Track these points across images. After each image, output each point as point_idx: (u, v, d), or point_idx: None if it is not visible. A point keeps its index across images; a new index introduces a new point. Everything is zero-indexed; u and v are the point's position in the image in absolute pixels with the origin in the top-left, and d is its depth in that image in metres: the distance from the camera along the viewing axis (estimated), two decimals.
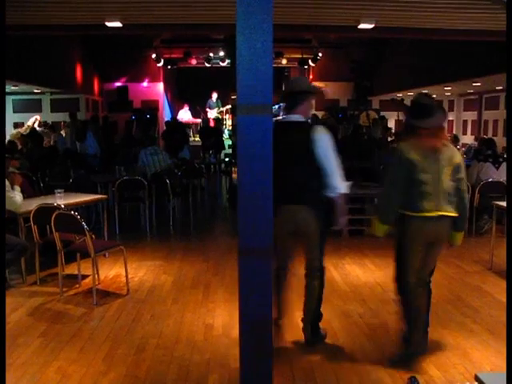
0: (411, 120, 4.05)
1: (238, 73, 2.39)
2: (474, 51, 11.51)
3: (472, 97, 18.45)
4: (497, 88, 15.76)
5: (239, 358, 2.65)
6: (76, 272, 6.11)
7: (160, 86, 19.71)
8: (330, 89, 18.60)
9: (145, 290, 5.85)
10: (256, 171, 2.46)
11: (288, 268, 4.48)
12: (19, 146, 10.74)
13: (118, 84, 19.08)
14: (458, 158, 4.04)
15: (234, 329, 4.59)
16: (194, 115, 19.83)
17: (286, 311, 4.50)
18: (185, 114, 19.35)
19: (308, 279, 4.39)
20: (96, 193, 8.31)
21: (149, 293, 5.78)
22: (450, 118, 20.36)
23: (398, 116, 19.17)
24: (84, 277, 6.15)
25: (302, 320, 4.45)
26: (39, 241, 6.04)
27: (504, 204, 6.53)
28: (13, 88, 14.78)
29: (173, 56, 18.90)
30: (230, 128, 18.20)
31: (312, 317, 4.41)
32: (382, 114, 18.30)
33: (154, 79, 19.44)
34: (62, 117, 16.67)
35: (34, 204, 5.98)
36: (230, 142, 15.59)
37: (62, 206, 5.93)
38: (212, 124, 19.01)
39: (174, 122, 15.91)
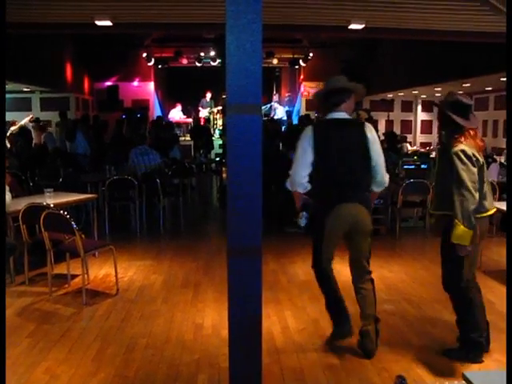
0: (460, 119, 3.94)
1: (228, 72, 2.40)
2: (463, 52, 11.57)
3: None
4: (486, 89, 15.86)
5: (228, 358, 2.65)
6: (65, 272, 6.08)
7: (151, 86, 19.67)
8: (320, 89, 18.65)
9: (134, 290, 5.84)
10: (245, 170, 2.46)
11: (331, 267, 4.32)
12: (8, 145, 10.69)
13: (108, 83, 19.02)
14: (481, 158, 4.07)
15: (224, 328, 4.57)
16: (186, 114, 19.81)
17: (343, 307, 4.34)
18: (177, 114, 19.32)
19: (359, 284, 4.21)
20: (86, 192, 8.28)
21: (138, 292, 5.77)
22: None
23: (388, 117, 19.25)
24: (73, 276, 6.12)
25: (363, 329, 4.20)
26: (28, 240, 6.00)
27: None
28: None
29: (164, 55, 18.88)
30: (221, 128, 18.22)
31: (370, 324, 4.18)
32: (373, 114, 18.34)
33: (144, 78, 19.40)
34: (51, 116, 16.60)
35: (22, 203, 5.95)
36: (221, 142, 15.60)
37: (52, 206, 5.90)
38: (202, 123, 19.00)
39: (160, 121, 15.84)
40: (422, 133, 20.71)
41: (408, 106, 20.61)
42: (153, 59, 18.53)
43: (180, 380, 3.88)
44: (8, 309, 5.23)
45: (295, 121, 18.28)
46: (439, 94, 18.90)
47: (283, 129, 16.23)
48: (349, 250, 4.27)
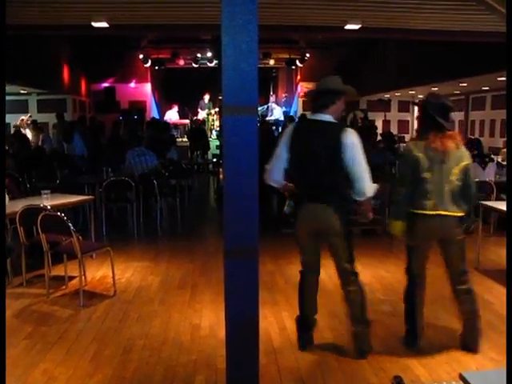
0: (440, 120, 4.03)
1: (224, 73, 2.40)
2: (460, 52, 11.59)
3: (459, 97, 18.57)
4: (483, 88, 15.88)
5: (226, 359, 2.65)
6: (63, 273, 6.08)
7: (147, 87, 19.68)
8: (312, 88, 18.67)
9: (132, 291, 5.84)
10: (241, 171, 2.46)
11: (316, 272, 4.37)
12: (6, 147, 10.67)
13: (105, 85, 19.02)
14: (467, 159, 4.09)
15: (221, 329, 4.58)
16: (182, 116, 19.80)
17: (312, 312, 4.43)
18: (173, 115, 19.31)
19: (345, 287, 4.23)
20: (83, 194, 8.26)
21: (136, 294, 5.77)
22: None
23: (385, 117, 19.27)
24: (71, 278, 6.12)
25: (353, 332, 4.24)
26: (25, 242, 5.99)
27: (490, 204, 6.59)
28: None
29: (160, 56, 18.88)
30: (218, 129, 18.21)
31: (361, 326, 4.21)
32: (370, 114, 18.39)
33: (141, 80, 19.41)
34: (48, 117, 16.59)
35: (20, 205, 5.94)
36: (218, 143, 15.60)
37: (49, 207, 5.89)
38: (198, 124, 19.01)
39: (155, 122, 15.83)
40: None
41: (405, 106, 20.66)
42: (149, 60, 18.53)
43: (177, 381, 3.88)
44: (6, 310, 5.22)
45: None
46: None
47: (280, 129, 16.27)
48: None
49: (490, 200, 7.49)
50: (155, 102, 20.50)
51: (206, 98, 19.85)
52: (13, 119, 16.03)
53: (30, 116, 15.65)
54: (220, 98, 15.89)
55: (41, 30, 9.27)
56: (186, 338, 4.58)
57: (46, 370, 4.01)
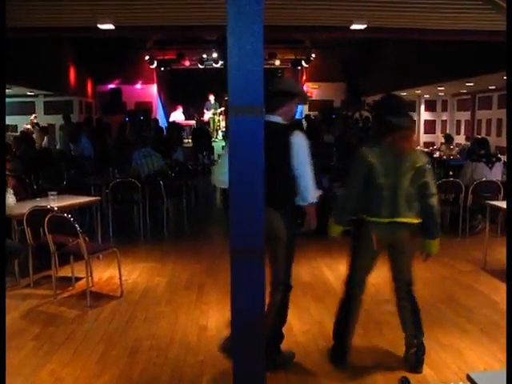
0: (389, 117, 3.90)
1: (229, 74, 2.40)
2: (466, 51, 11.56)
3: (465, 97, 18.51)
4: (490, 88, 15.83)
5: (232, 359, 2.65)
6: (69, 274, 6.09)
7: (153, 88, 19.71)
8: (323, 89, 18.67)
9: (138, 292, 5.85)
10: (247, 172, 2.47)
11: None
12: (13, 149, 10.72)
13: (111, 86, 19.08)
14: (422, 161, 3.89)
15: (228, 330, 4.58)
16: (188, 117, 19.83)
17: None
18: (178, 116, 19.34)
19: (271, 293, 4.05)
20: (89, 195, 8.28)
21: (142, 295, 5.78)
22: (444, 118, 20.43)
23: None
24: (78, 279, 6.13)
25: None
26: (33, 243, 6.01)
27: (497, 203, 6.56)
28: (6, 91, 14.75)
29: (166, 58, 18.92)
30: (224, 129, 18.23)
31: (270, 334, 3.96)
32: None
33: (147, 81, 19.45)
34: (55, 119, 16.66)
35: (27, 206, 5.96)
36: (224, 144, 15.60)
37: (56, 209, 5.91)
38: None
39: (173, 123, 15.91)
40: (425, 132, 20.70)
41: (411, 106, 20.58)
42: (155, 62, 18.57)
43: (184, 381, 3.89)
44: (13, 311, 5.25)
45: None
46: (442, 94, 18.90)
47: None
48: None
49: (497, 200, 7.45)
50: (161, 103, 20.53)
51: (212, 98, 19.87)
52: (20, 121, 16.14)
53: (36, 116, 15.73)
54: (226, 98, 15.92)
55: (47, 32, 9.30)
56: (192, 339, 4.59)
57: (54, 370, 4.03)
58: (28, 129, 14.54)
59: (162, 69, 19.61)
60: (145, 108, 18.99)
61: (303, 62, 19.05)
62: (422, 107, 20.62)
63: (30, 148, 11.51)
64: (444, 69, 13.26)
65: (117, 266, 5.87)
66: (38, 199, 6.89)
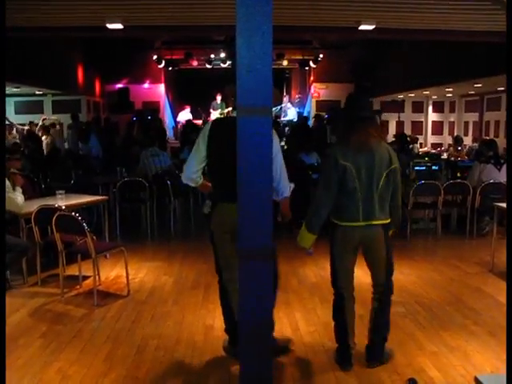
0: (354, 111, 3.91)
1: (238, 74, 2.40)
2: (475, 52, 11.51)
3: (473, 98, 18.43)
4: (498, 89, 15.75)
5: (239, 359, 2.66)
6: (77, 273, 6.11)
7: (161, 88, 19.73)
8: (330, 90, 18.66)
9: (145, 291, 5.86)
10: (255, 172, 2.47)
11: (235, 279, 4.18)
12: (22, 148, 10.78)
13: (119, 85, 19.10)
14: (395, 162, 3.85)
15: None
16: (195, 117, 19.83)
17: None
18: (186, 116, 19.34)
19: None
20: (97, 194, 8.31)
21: (149, 294, 5.79)
22: (451, 120, 20.35)
23: (399, 117, 19.20)
24: (85, 278, 6.15)
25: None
26: (40, 242, 6.05)
27: (505, 205, 6.52)
28: (14, 90, 14.82)
29: (174, 57, 18.93)
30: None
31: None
32: (383, 114, 18.30)
33: (155, 80, 19.47)
34: (63, 118, 16.72)
35: (35, 205, 5.99)
36: None
37: (63, 207, 5.94)
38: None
39: (190, 122, 15.95)
40: (433, 134, 20.63)
41: (419, 107, 20.54)
42: (163, 61, 18.58)
43: (190, 381, 3.89)
44: (21, 309, 5.27)
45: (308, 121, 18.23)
46: (450, 95, 18.83)
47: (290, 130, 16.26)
48: None
49: (504, 202, 7.41)
50: (169, 103, 20.55)
51: (219, 98, 19.85)
52: (28, 120, 16.18)
53: (44, 119, 15.79)
54: (232, 98, 15.89)
55: (56, 31, 9.31)
56: (199, 339, 4.59)
57: (61, 368, 4.04)
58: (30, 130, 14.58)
59: (170, 68, 19.62)
60: (152, 108, 19.01)
61: (311, 63, 19.02)
62: (430, 108, 20.56)
63: (38, 147, 11.57)
64: (452, 70, 13.21)
65: (124, 265, 5.89)
66: (46, 198, 6.90)
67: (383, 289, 4.07)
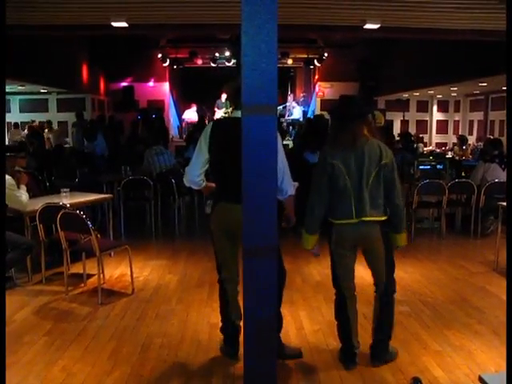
0: (342, 110, 3.93)
1: (243, 73, 2.40)
2: (480, 51, 11.47)
3: (478, 97, 18.39)
4: (503, 88, 15.70)
5: (243, 358, 2.66)
6: (81, 271, 6.13)
7: (166, 86, 19.72)
8: (335, 89, 18.63)
9: (150, 290, 5.87)
10: (260, 171, 2.47)
11: (234, 278, 4.19)
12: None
13: (123, 84, 19.11)
14: (388, 157, 3.82)
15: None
16: (201, 115, 19.85)
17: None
18: (192, 114, 19.35)
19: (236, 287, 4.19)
20: (102, 192, 8.33)
21: (154, 292, 5.80)
22: (456, 119, 20.31)
23: (404, 116, 19.16)
24: (89, 276, 6.17)
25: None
26: (45, 240, 6.06)
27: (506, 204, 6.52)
28: (19, 88, 14.86)
29: (179, 56, 18.91)
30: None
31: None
32: (388, 114, 18.27)
33: (159, 79, 19.46)
34: (68, 117, 16.76)
35: (39, 203, 6.00)
36: None
37: (68, 206, 5.95)
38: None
39: (203, 120, 15.93)
40: (437, 133, 20.59)
41: (423, 106, 20.50)
42: (168, 60, 18.58)
43: (194, 379, 3.90)
44: (25, 307, 5.29)
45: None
46: (455, 94, 18.78)
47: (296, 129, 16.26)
48: None
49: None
50: (173, 101, 20.56)
51: (223, 97, 19.84)
52: (33, 118, 16.24)
53: (34, 121, 15.90)
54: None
55: (61, 30, 9.33)
56: (203, 337, 4.59)
57: (65, 366, 4.05)
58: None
59: (175, 67, 19.62)
60: (157, 106, 19.03)
61: (316, 62, 18.98)
62: (435, 107, 20.52)
63: (43, 145, 11.59)
64: (457, 69, 13.17)
65: (128, 264, 5.90)
66: (51, 196, 6.92)
67: (384, 288, 4.07)
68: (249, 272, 2.52)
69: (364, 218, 3.81)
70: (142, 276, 6.34)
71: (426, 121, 20.62)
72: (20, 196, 5.89)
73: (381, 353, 4.08)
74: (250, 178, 2.48)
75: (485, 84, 14.36)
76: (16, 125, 16.16)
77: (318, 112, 18.91)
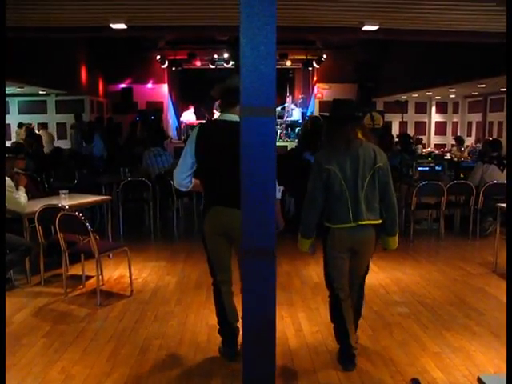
0: (336, 113, 3.94)
1: (242, 75, 2.41)
2: (478, 53, 11.49)
3: (477, 98, 18.41)
4: (502, 90, 15.72)
5: (242, 359, 2.66)
6: (80, 273, 6.12)
7: (164, 88, 19.73)
8: (333, 90, 18.64)
9: (148, 291, 5.87)
10: (259, 172, 2.47)
11: (228, 281, 4.20)
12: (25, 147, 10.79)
13: (122, 85, 19.11)
14: (382, 161, 3.83)
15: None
16: (199, 117, 19.84)
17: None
18: (190, 116, 19.35)
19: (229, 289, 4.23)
20: (100, 194, 8.33)
21: (152, 294, 5.79)
22: (455, 120, 20.33)
23: (402, 118, 19.17)
24: (88, 278, 6.16)
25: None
26: (44, 241, 6.06)
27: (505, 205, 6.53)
28: (18, 89, 14.84)
29: (177, 57, 18.92)
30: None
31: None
32: (386, 115, 18.27)
33: (158, 81, 19.46)
34: (67, 118, 16.76)
35: (38, 205, 6.00)
36: None
37: (67, 207, 5.95)
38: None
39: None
40: (436, 134, 20.60)
41: (422, 108, 20.51)
42: (166, 61, 18.58)
43: (193, 381, 3.89)
44: (24, 309, 5.28)
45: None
46: (453, 96, 18.80)
47: (296, 131, 16.27)
48: None
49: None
50: (172, 103, 20.56)
51: None
52: (31, 120, 16.23)
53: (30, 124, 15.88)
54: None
55: (59, 32, 9.33)
56: (202, 339, 4.59)
57: (64, 368, 4.05)
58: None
59: (174, 69, 19.62)
60: (156, 108, 19.03)
61: (314, 63, 18.99)
62: (433, 109, 20.53)
63: (41, 147, 11.59)
64: (456, 70, 13.19)
65: (127, 265, 5.90)
66: (50, 198, 6.91)
67: (364, 278, 4.14)
68: (248, 274, 2.52)
69: (361, 222, 3.81)
70: (140, 278, 6.34)
71: (425, 122, 20.63)
72: (19, 198, 5.88)
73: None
74: (249, 180, 2.48)
75: (483, 85, 14.38)
76: (20, 125, 16.14)
77: (316, 114, 18.93)
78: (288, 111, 18.96)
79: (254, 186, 2.49)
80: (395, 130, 18.90)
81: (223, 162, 3.83)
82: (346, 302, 4.02)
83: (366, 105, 16.75)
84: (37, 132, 14.62)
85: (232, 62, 18.37)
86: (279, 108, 19.21)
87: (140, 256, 7.15)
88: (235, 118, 3.83)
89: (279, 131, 18.01)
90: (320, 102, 19.60)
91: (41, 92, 16.29)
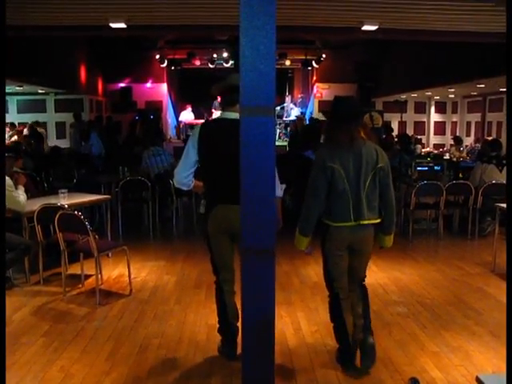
0: (339, 111, 3.91)
1: (241, 74, 2.40)
2: (478, 52, 11.50)
3: (476, 98, 18.42)
4: (501, 90, 15.73)
5: (241, 359, 2.66)
6: (79, 272, 6.12)
7: (164, 87, 19.73)
8: (333, 90, 18.64)
9: (148, 290, 5.87)
10: (258, 171, 2.47)
11: (231, 280, 4.19)
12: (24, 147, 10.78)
13: (121, 85, 19.12)
14: (383, 161, 3.82)
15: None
16: (197, 116, 19.83)
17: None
18: (188, 115, 19.35)
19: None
20: (99, 193, 8.33)
21: (151, 293, 5.80)
22: (454, 120, 20.34)
23: (401, 118, 19.18)
24: (87, 277, 6.16)
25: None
26: (43, 241, 6.06)
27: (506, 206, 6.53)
28: (17, 88, 14.84)
29: (176, 57, 18.93)
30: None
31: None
32: (386, 115, 18.27)
33: (157, 80, 19.47)
34: (66, 117, 16.75)
35: (37, 204, 6.00)
36: None
37: (66, 206, 5.95)
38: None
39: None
40: (435, 134, 20.62)
41: (421, 107, 20.52)
42: (166, 61, 18.59)
43: (193, 380, 3.90)
44: (23, 308, 5.28)
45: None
46: (453, 95, 18.81)
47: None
48: None
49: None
50: (171, 102, 20.56)
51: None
52: (31, 119, 16.21)
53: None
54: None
55: (59, 30, 9.33)
56: (201, 338, 4.60)
57: (63, 367, 4.05)
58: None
59: (173, 68, 19.62)
60: (155, 107, 19.03)
61: (314, 63, 19.00)
62: (432, 109, 20.54)
63: (40, 146, 11.58)
64: (455, 70, 13.20)
65: (126, 264, 5.90)
66: (49, 197, 6.91)
67: (363, 280, 4.12)
68: (247, 273, 2.52)
69: (362, 222, 3.81)
70: (139, 277, 6.34)
71: (424, 122, 20.65)
72: (18, 197, 5.88)
73: (371, 350, 4.03)
74: (248, 179, 2.48)
75: (482, 85, 14.39)
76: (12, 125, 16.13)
77: (315, 113, 18.95)
78: (287, 111, 18.96)
79: (254, 186, 2.49)
80: (394, 130, 18.90)
81: (227, 160, 3.81)
82: (345, 301, 4.01)
83: (366, 104, 16.75)
84: (26, 131, 14.55)
85: (231, 62, 18.38)
86: (278, 108, 19.22)
87: (139, 255, 7.15)
88: (236, 116, 3.79)
89: (278, 131, 18.06)
90: (319, 101, 19.63)
91: (40, 91, 16.29)
